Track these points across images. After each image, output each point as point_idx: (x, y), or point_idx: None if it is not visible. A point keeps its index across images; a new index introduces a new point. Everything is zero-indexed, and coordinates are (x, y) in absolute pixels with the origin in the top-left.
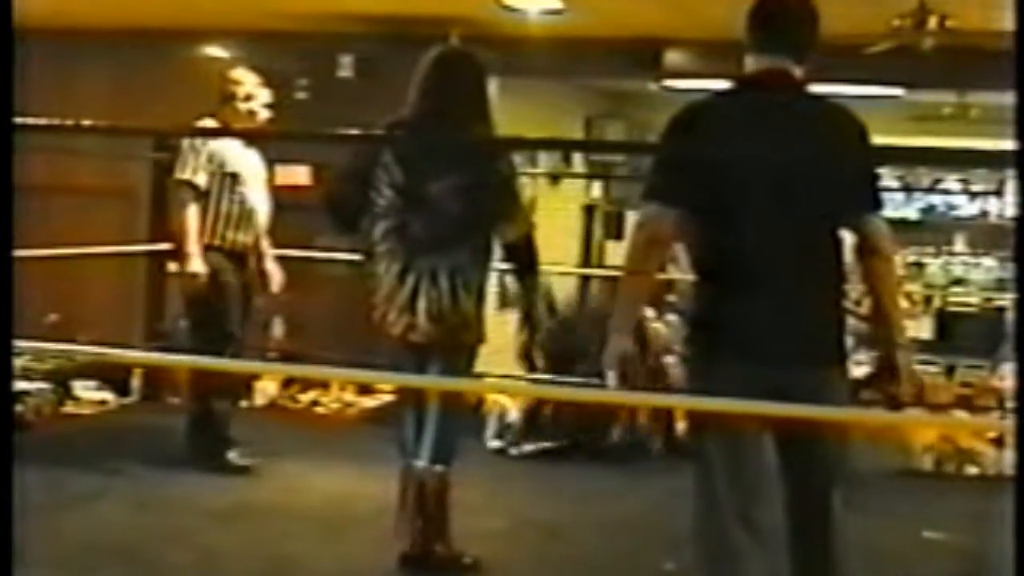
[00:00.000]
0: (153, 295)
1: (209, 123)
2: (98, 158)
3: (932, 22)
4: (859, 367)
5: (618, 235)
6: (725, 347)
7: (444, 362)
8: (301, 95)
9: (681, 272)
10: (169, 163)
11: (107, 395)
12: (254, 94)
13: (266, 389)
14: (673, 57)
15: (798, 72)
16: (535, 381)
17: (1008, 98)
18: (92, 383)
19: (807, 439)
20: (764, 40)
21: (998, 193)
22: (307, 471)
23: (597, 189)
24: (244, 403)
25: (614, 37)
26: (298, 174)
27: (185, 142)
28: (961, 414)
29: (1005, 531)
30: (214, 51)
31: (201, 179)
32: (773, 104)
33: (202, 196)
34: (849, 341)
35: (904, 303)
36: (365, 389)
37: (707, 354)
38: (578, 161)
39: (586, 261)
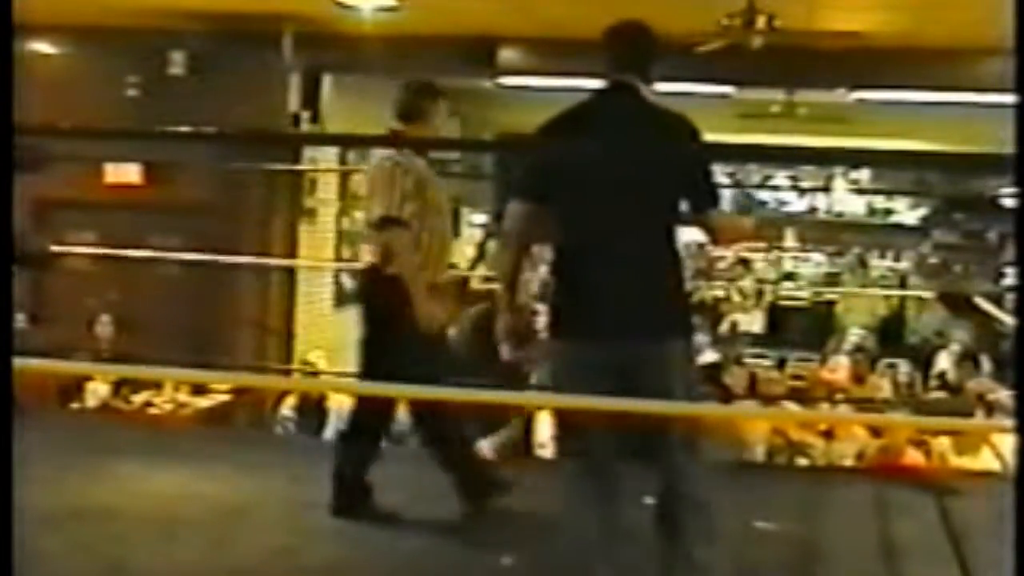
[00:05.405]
0: None
1: None
2: None
3: (760, 22)
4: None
5: (454, 232)
6: (580, 323)
7: None
8: (132, 92)
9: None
10: None
11: None
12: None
13: (97, 390)
14: (508, 55)
15: (641, 86)
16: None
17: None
18: None
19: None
20: (611, 60)
21: (826, 190)
22: (141, 472)
23: None
24: (75, 405)
25: (449, 35)
26: (130, 173)
27: None
28: (792, 406)
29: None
30: (43, 47)
31: None
32: (618, 113)
33: None
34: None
35: (736, 297)
36: (200, 389)
37: (564, 329)
38: None
39: None
